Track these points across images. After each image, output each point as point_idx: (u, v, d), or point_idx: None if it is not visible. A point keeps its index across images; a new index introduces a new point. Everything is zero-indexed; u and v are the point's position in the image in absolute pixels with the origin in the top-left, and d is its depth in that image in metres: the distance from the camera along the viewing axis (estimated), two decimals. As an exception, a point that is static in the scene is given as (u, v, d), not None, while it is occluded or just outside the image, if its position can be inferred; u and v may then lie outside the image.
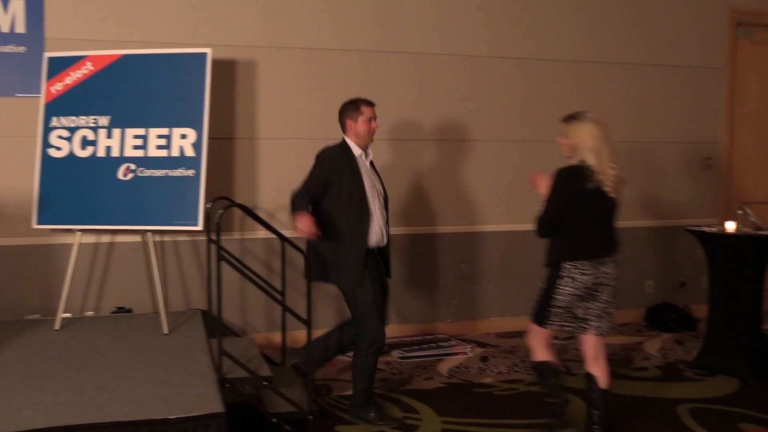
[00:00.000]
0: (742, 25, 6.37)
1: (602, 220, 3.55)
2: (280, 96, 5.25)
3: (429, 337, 5.52)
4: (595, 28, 5.96)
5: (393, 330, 5.51)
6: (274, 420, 3.61)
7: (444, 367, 4.93)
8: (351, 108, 3.92)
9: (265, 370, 3.82)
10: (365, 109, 3.89)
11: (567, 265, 3.48)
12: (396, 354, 5.11)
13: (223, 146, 5.11)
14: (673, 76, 6.18)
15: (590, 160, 3.47)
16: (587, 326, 3.53)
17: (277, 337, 4.80)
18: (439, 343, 5.34)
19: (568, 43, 5.90)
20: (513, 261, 5.83)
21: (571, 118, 3.60)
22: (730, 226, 4.80)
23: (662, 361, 5.13)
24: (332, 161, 3.83)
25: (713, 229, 4.95)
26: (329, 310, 5.42)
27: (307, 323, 3.79)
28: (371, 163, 3.98)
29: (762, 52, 6.49)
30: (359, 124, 3.88)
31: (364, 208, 3.80)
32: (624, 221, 6.16)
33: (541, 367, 3.69)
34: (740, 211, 4.92)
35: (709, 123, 6.34)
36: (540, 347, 3.66)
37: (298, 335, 4.70)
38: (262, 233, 4.88)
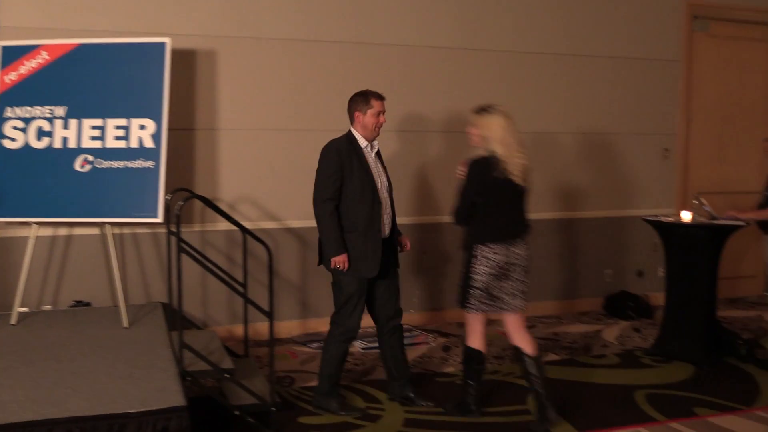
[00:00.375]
0: (698, 18, 6.49)
1: (512, 205, 3.78)
2: (241, 86, 5.21)
3: (392, 327, 5.53)
4: (557, 20, 6.02)
5: (356, 321, 5.54)
6: (237, 412, 3.60)
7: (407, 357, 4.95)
8: (361, 100, 3.91)
9: (227, 363, 3.81)
10: (375, 103, 3.89)
11: (480, 247, 3.71)
12: (359, 345, 5.12)
13: (183, 137, 5.06)
14: (631, 68, 6.28)
15: (498, 150, 3.67)
16: (504, 305, 3.76)
17: (239, 330, 4.78)
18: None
19: (529, 34, 5.94)
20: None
21: (482, 110, 3.79)
22: (686, 215, 4.91)
23: (620, 348, 5.22)
24: (340, 154, 3.83)
25: (669, 218, 5.06)
26: (292, 302, 5.42)
27: (269, 315, 3.78)
28: (377, 154, 4.00)
29: (717, 45, 6.62)
30: (367, 117, 3.88)
31: (376, 199, 3.85)
32: (583, 211, 6.32)
33: (470, 354, 3.90)
34: (696, 201, 5.03)
35: (666, 114, 6.46)
36: (475, 335, 3.86)
37: (261, 327, 4.69)
38: (224, 225, 4.84)
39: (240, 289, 4.06)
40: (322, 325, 5.48)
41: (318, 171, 3.87)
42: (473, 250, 3.75)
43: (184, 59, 5.01)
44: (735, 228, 4.78)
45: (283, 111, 5.32)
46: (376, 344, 5.07)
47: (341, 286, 3.91)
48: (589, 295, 6.31)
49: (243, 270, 4.31)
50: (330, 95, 5.38)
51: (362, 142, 3.90)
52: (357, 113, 3.90)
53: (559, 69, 6.03)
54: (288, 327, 5.40)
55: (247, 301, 3.95)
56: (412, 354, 4.99)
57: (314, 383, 4.08)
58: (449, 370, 4.70)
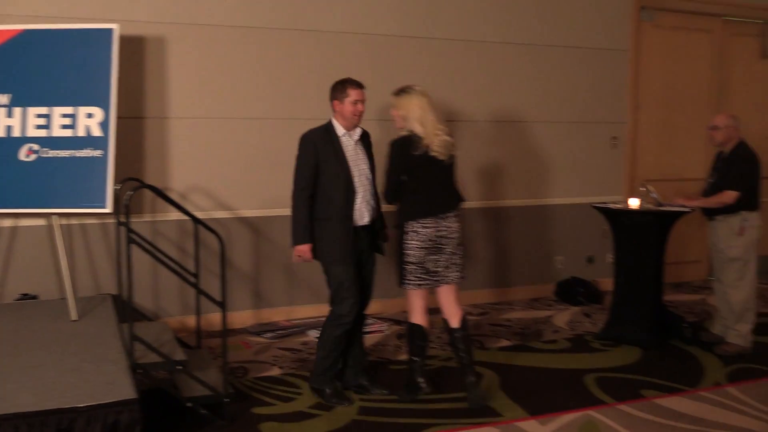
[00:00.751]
0: (645, 8, 6.60)
1: (439, 181, 3.92)
2: (192, 74, 5.13)
3: (346, 316, 5.54)
4: (506, 9, 6.05)
5: (308, 311, 5.54)
6: (189, 404, 3.57)
7: (361, 345, 4.97)
8: (339, 89, 3.92)
9: (179, 354, 3.76)
10: (351, 91, 3.89)
11: (410, 223, 3.87)
12: (312, 334, 5.12)
13: (132, 126, 4.96)
14: (581, 57, 6.36)
15: (417, 129, 3.83)
16: (439, 278, 3.92)
17: (191, 321, 4.72)
18: (356, 322, 5.37)
19: (478, 23, 5.97)
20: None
21: (400, 91, 3.92)
22: (634, 202, 5.01)
23: (571, 333, 5.32)
24: (315, 144, 3.88)
25: (618, 205, 5.16)
26: (245, 292, 5.38)
27: (222, 305, 3.75)
28: (362, 141, 4.01)
29: (663, 36, 6.74)
30: (345, 105, 3.89)
31: (350, 188, 3.87)
32: (535, 199, 6.39)
33: (412, 329, 4.01)
34: (643, 188, 5.14)
35: (614, 103, 6.56)
36: (416, 311, 3.99)
37: (213, 318, 4.64)
38: (174, 215, 4.78)
39: (192, 279, 4.01)
40: (275, 314, 5.48)
41: (297, 161, 3.93)
42: (404, 227, 3.89)
43: (133, 46, 4.91)
44: (680, 214, 4.90)
45: (235, 99, 5.26)
46: (331, 333, 5.08)
47: (329, 275, 3.98)
48: (540, 281, 6.41)
49: (195, 260, 4.26)
50: (282, 83, 5.35)
51: (340, 131, 3.93)
52: (335, 102, 3.93)
53: (508, 58, 6.07)
54: (241, 317, 5.36)
55: (199, 291, 3.91)
56: (367, 342, 5.01)
57: (268, 373, 4.06)
58: (404, 357, 4.73)
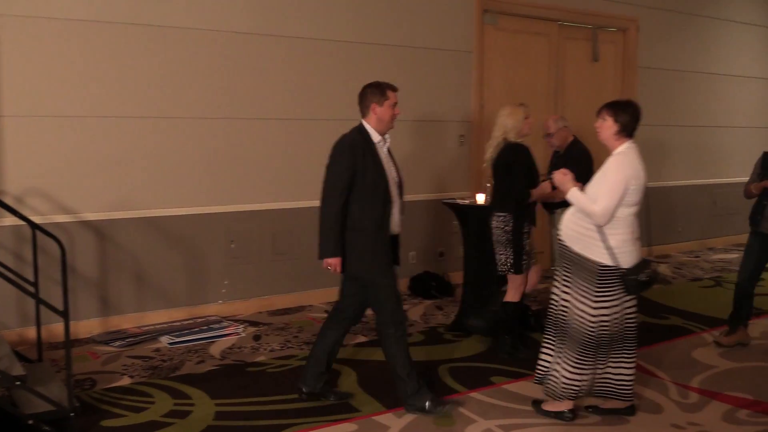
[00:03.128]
0: (488, 12, 6.89)
1: None
2: (28, 71, 4.81)
3: (200, 319, 5.42)
4: (357, 9, 6.12)
5: (160, 316, 5.37)
6: (31, 421, 3.35)
7: (216, 349, 4.87)
8: (377, 92, 3.77)
9: (18, 369, 3.52)
10: (390, 94, 3.78)
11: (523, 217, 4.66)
12: (165, 340, 4.96)
13: (-42, 125, 4.59)
14: (428, 58, 6.54)
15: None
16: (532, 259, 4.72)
17: (31, 332, 4.44)
18: (211, 326, 5.26)
19: (327, 22, 5.99)
20: (284, 239, 5.88)
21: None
22: (480, 198, 5.23)
23: (425, 326, 5.48)
24: (354, 150, 3.68)
25: (465, 201, 5.35)
26: (91, 299, 5.12)
27: (65, 315, 3.54)
28: (388, 149, 3.86)
29: (505, 38, 7.07)
30: (384, 109, 3.75)
31: (387, 197, 3.73)
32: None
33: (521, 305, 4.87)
34: (489, 185, 5.35)
35: (461, 102, 6.80)
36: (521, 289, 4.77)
37: (56, 329, 4.39)
38: (9, 220, 4.49)
39: (30, 288, 3.77)
40: (124, 322, 5.25)
41: (329, 166, 3.72)
42: (520, 220, 4.65)
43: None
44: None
45: (75, 97, 4.98)
46: (184, 339, 4.96)
47: (377, 286, 3.76)
48: (395, 276, 6.53)
49: (33, 268, 4.02)
50: (125, 81, 5.13)
51: (375, 137, 3.77)
52: (374, 105, 3.76)
53: (359, 58, 6.14)
54: (87, 326, 5.10)
55: (39, 301, 3.67)
56: (221, 346, 4.92)
57: (120, 383, 3.88)
58: (260, 359, 4.68)
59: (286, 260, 5.90)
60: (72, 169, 4.99)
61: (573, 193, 3.62)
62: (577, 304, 3.61)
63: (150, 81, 5.21)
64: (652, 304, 6.09)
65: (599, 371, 3.69)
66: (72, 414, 3.46)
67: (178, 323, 5.32)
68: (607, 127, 3.62)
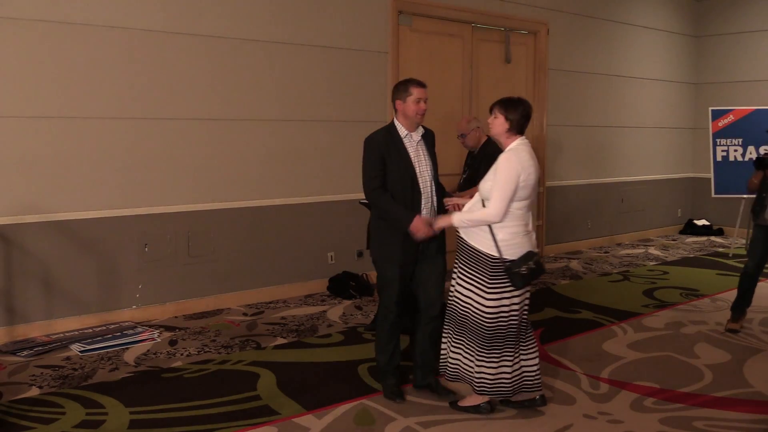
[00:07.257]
0: (403, 13, 6.96)
1: None
2: None
3: (113, 326, 5.27)
4: (276, 9, 6.07)
5: (70, 323, 5.20)
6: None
7: (131, 355, 4.75)
8: (401, 88, 3.91)
9: None
10: (414, 90, 3.87)
11: None
12: (76, 348, 4.79)
13: None
14: (345, 58, 6.56)
15: None
16: None
17: (-70, 344, 4.23)
18: (125, 331, 5.12)
19: (243, 21, 5.93)
20: (199, 241, 5.78)
21: None
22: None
23: (344, 326, 5.48)
24: (378, 144, 3.88)
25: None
26: (-5, 308, 4.91)
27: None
28: (425, 141, 3.98)
29: (419, 39, 7.16)
30: (408, 105, 3.87)
31: (416, 188, 3.87)
32: (307, 197, 6.49)
33: None
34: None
35: (377, 103, 6.84)
36: None
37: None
38: None
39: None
40: (32, 330, 5.06)
41: (363, 164, 3.93)
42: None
43: None
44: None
45: (23, 96, 4.77)
46: (96, 346, 4.81)
47: (378, 271, 3.98)
48: (314, 277, 6.53)
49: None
50: (27, 80, 4.94)
51: (402, 132, 3.92)
52: (398, 101, 3.91)
53: (274, 57, 6.10)
54: (-8, 336, 4.89)
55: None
56: (135, 352, 4.80)
57: (28, 394, 3.73)
58: (177, 364, 4.59)
59: (202, 263, 5.81)
60: (-27, 171, 4.78)
61: (458, 218, 3.73)
62: (474, 296, 3.71)
63: (57, 80, 5.04)
64: (564, 299, 6.30)
65: (516, 366, 3.78)
66: (-24, 428, 3.32)
67: (89, 330, 5.16)
68: (499, 123, 3.75)
